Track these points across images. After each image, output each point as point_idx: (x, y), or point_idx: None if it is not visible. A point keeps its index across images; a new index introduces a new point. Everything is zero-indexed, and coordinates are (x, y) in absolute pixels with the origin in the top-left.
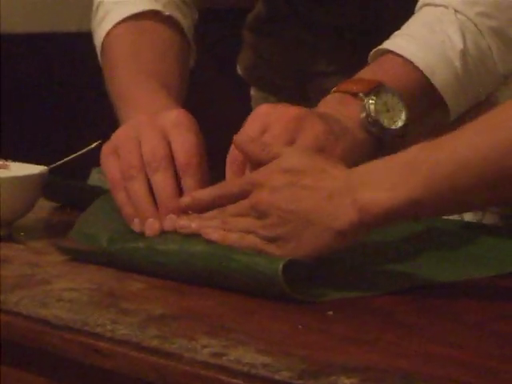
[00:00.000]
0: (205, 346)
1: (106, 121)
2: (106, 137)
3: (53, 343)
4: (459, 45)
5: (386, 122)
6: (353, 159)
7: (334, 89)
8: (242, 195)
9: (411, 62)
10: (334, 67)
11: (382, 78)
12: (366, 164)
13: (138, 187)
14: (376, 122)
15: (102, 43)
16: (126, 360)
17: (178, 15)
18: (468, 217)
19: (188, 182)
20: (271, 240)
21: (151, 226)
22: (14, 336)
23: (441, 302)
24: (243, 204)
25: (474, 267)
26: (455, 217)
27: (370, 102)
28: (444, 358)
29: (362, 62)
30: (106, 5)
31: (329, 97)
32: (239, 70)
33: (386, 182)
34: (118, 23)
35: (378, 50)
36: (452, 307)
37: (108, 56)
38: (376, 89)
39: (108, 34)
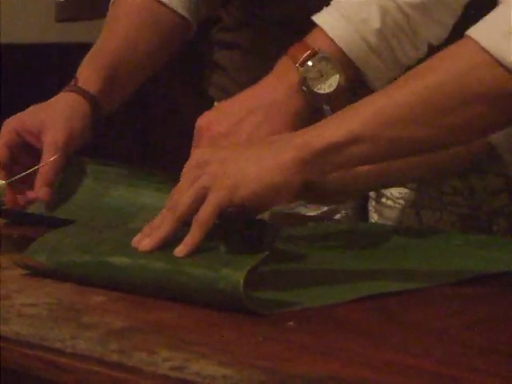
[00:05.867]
0: (165, 360)
1: None
2: None
3: (13, 359)
4: (376, 24)
5: (320, 88)
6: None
7: (286, 52)
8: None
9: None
10: None
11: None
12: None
13: None
14: (310, 90)
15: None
16: (86, 375)
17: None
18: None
19: None
20: (216, 177)
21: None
22: None
23: (404, 311)
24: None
25: (435, 275)
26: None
27: (304, 69)
28: (408, 367)
29: None
30: None
31: (278, 64)
32: (210, 91)
33: (323, 126)
34: None
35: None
36: (415, 316)
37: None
38: (312, 56)
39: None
